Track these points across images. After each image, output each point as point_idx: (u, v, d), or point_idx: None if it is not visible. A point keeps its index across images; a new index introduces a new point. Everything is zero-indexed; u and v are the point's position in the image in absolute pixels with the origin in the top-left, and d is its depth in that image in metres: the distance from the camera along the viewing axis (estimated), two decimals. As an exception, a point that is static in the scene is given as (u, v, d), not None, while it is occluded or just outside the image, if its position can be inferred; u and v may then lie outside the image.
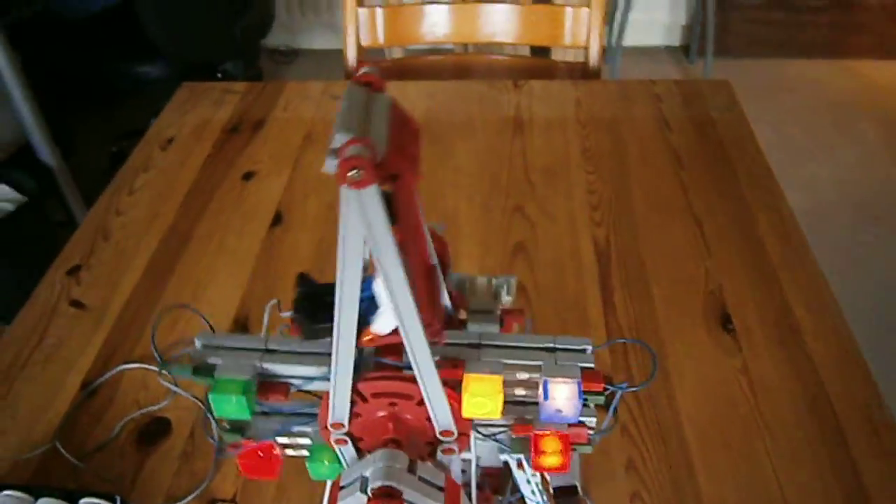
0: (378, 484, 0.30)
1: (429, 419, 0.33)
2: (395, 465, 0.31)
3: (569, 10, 1.29)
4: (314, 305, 0.36)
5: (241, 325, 0.82)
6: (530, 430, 0.36)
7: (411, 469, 0.31)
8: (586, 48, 1.30)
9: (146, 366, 0.76)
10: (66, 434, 0.71)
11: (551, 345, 0.38)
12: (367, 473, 0.31)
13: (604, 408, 0.41)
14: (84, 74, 2.14)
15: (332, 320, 0.33)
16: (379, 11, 1.34)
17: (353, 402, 0.33)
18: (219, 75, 2.12)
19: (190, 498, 0.65)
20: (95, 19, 2.15)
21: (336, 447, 0.35)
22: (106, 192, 1.02)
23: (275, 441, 0.38)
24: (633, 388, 0.39)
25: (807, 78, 2.65)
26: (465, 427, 0.35)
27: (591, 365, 0.38)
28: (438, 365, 0.32)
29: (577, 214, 0.93)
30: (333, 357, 0.32)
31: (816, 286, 0.82)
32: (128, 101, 2.23)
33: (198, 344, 0.39)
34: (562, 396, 0.36)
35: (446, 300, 0.42)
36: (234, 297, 0.84)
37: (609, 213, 0.93)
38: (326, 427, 0.35)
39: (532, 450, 0.37)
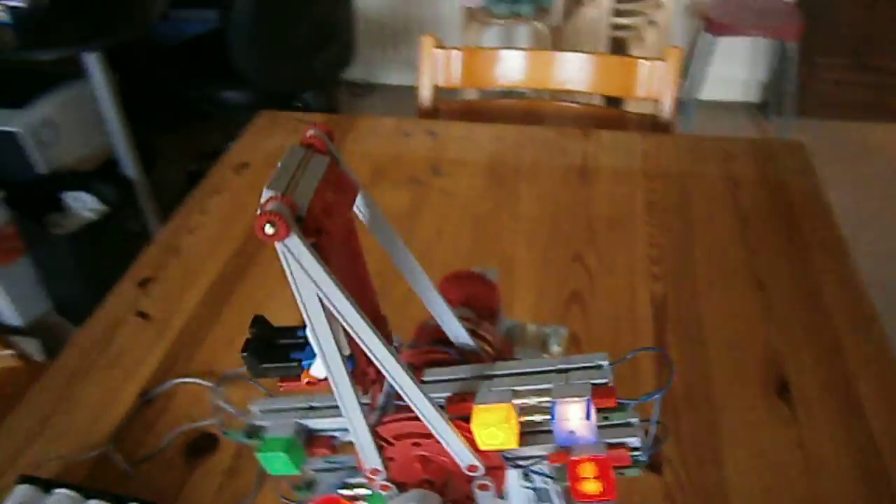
0: (408, 525, 0.31)
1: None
2: (431, 507, 0.32)
3: (644, 63, 1.29)
4: (264, 347, 0.39)
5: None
6: (566, 458, 0.35)
7: (444, 512, 0.32)
8: (659, 101, 1.29)
9: (200, 381, 0.79)
10: (119, 440, 0.73)
11: (564, 365, 0.37)
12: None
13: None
14: (171, 96, 2.25)
15: (281, 361, 0.37)
16: (455, 53, 1.37)
17: (381, 448, 0.34)
18: (298, 104, 2.20)
19: (230, 515, 0.66)
20: (187, 45, 2.27)
21: (383, 493, 0.36)
22: (180, 209, 1.07)
23: (339, 493, 0.40)
24: (653, 396, 0.37)
25: (890, 143, 2.57)
26: (494, 461, 0.34)
27: (605, 381, 0.36)
28: (449, 400, 0.33)
29: (636, 267, 0.92)
30: (341, 407, 0.34)
31: (883, 361, 0.79)
32: (209, 123, 2.32)
33: (254, 410, 0.41)
34: (573, 417, 0.35)
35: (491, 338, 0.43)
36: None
37: (669, 268, 0.92)
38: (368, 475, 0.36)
39: (569, 478, 0.35)
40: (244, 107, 2.11)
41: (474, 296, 0.42)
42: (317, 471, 0.39)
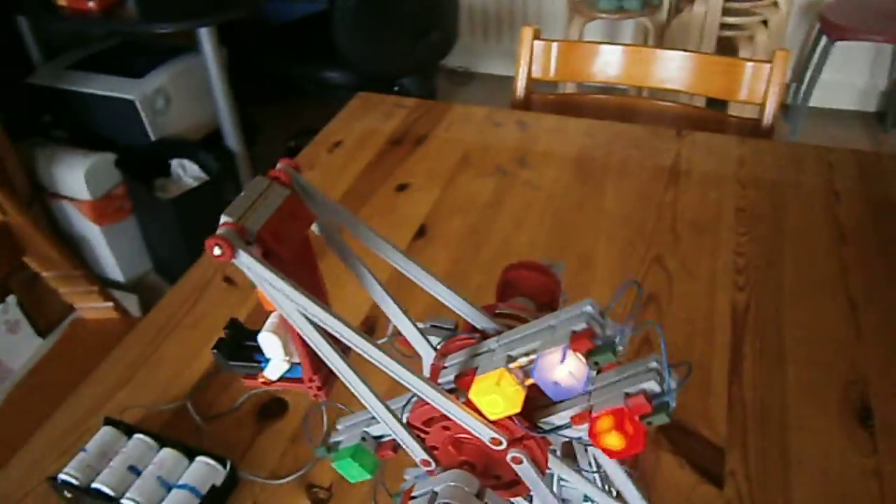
0: (443, 502, 0.31)
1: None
2: (463, 486, 0.32)
3: (749, 64, 1.24)
4: (234, 347, 0.44)
5: (369, 329, 0.86)
6: (587, 417, 0.34)
7: (479, 495, 0.32)
8: (762, 105, 1.24)
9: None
10: (196, 396, 0.77)
11: (554, 321, 0.36)
12: (438, 489, 0.33)
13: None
14: (276, 73, 2.33)
15: (246, 361, 0.42)
16: (554, 45, 1.35)
17: (422, 438, 0.35)
18: (395, 88, 2.23)
19: (291, 478, 0.69)
20: (295, 25, 2.34)
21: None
22: (273, 183, 1.11)
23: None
24: (618, 295, 0.35)
25: None
26: (516, 431, 0.34)
27: (583, 325, 0.34)
28: (456, 378, 0.34)
29: (719, 275, 0.89)
30: (370, 406, 0.35)
31: (981, 398, 0.73)
32: (310, 101, 2.39)
33: (339, 428, 0.45)
34: (551, 367, 0.33)
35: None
36: (366, 301, 0.88)
37: (754, 278, 0.89)
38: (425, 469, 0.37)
39: (591, 436, 0.34)
40: (345, 87, 2.17)
41: (534, 286, 0.42)
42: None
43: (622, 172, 1.08)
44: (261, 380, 0.42)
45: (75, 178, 1.85)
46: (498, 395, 0.33)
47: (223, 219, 0.36)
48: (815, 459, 0.69)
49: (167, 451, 0.69)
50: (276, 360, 0.41)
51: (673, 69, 1.30)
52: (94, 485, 0.66)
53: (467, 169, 1.12)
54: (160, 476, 0.66)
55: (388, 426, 0.36)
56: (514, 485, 0.34)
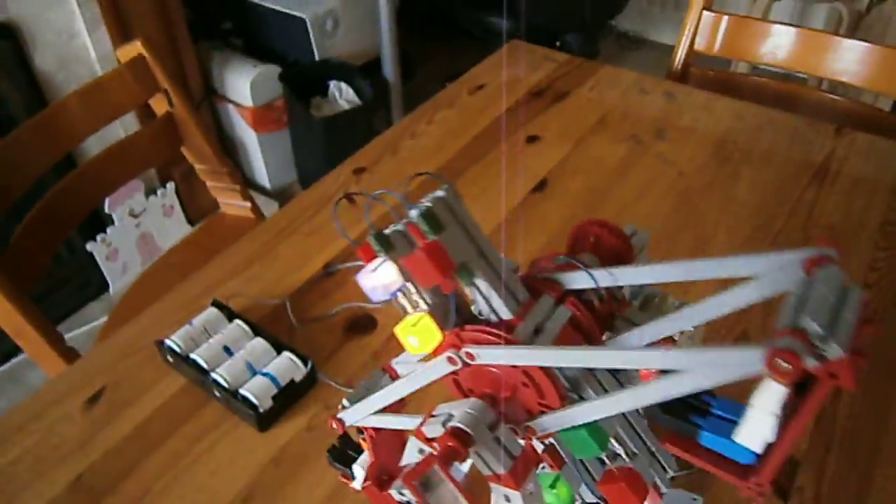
0: (457, 425, 0.33)
1: (535, 413, 0.34)
2: (479, 416, 0.33)
3: (941, 68, 1.12)
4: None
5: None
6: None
7: (492, 428, 0.33)
8: (947, 116, 1.12)
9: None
10: (296, 298, 0.83)
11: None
12: (455, 412, 0.34)
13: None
14: (443, 13, 2.35)
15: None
16: (724, 19, 1.28)
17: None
18: (557, 43, 2.19)
19: (363, 390, 0.73)
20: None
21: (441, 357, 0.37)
22: (410, 115, 1.14)
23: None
24: None
25: None
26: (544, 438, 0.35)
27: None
28: None
29: (844, 286, 0.83)
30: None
31: None
32: (471, 45, 2.39)
33: None
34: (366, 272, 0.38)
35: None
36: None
37: (882, 296, 0.82)
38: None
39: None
40: (509, 35, 2.15)
41: (603, 244, 0.41)
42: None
43: (764, 161, 1.02)
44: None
45: (242, 84, 1.98)
46: (416, 335, 0.36)
47: (807, 324, 0.28)
48: (898, 496, 0.64)
49: (259, 341, 0.75)
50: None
51: (853, 61, 1.19)
52: (191, 355, 0.73)
53: (602, 132, 1.09)
54: (248, 361, 0.72)
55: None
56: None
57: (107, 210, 1.79)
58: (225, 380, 0.70)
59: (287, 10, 1.97)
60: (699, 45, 1.31)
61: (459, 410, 0.34)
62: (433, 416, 0.35)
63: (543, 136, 1.08)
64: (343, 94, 2.03)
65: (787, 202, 0.95)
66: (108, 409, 0.72)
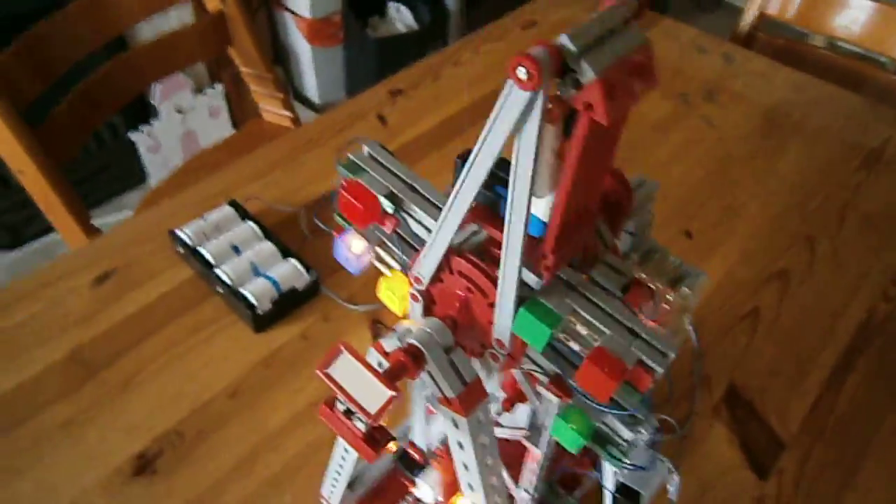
0: (413, 342, 0.32)
1: (491, 322, 0.34)
2: (436, 337, 0.33)
3: None
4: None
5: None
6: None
7: (448, 350, 0.33)
8: None
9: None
10: (312, 209, 0.83)
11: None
12: (413, 329, 0.34)
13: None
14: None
15: None
16: (803, -16, 1.21)
17: (441, 268, 0.35)
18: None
19: (362, 308, 0.73)
20: None
21: (410, 300, 0.37)
22: (457, 43, 1.11)
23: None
24: None
25: None
26: (517, 352, 0.34)
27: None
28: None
29: (871, 276, 0.80)
30: (442, 216, 0.33)
31: None
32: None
33: None
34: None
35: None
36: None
37: (909, 295, 0.79)
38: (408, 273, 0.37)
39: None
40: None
41: (610, 203, 0.40)
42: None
43: (814, 139, 0.97)
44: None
45: (302, -5, 1.95)
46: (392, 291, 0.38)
47: (563, 39, 0.26)
48: (879, 494, 0.63)
49: (268, 244, 0.75)
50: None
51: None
52: (200, 248, 0.74)
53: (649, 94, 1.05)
54: (254, 262, 0.73)
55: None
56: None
57: (154, 103, 1.81)
58: (228, 277, 0.71)
59: (356, -77, 1.93)
60: (771, 9, 1.24)
61: (417, 328, 0.34)
62: (393, 329, 0.35)
63: (589, 82, 1.05)
64: (401, 17, 1.99)
65: (828, 184, 0.91)
66: (114, 289, 0.74)
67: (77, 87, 1.06)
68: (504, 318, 0.33)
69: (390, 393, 0.30)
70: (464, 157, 0.36)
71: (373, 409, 0.30)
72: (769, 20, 1.25)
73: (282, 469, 0.60)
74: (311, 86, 2.15)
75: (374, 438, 0.31)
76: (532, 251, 0.33)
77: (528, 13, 1.18)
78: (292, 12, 2.01)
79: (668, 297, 0.51)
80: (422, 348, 0.32)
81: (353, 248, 0.42)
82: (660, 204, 0.82)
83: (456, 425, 0.34)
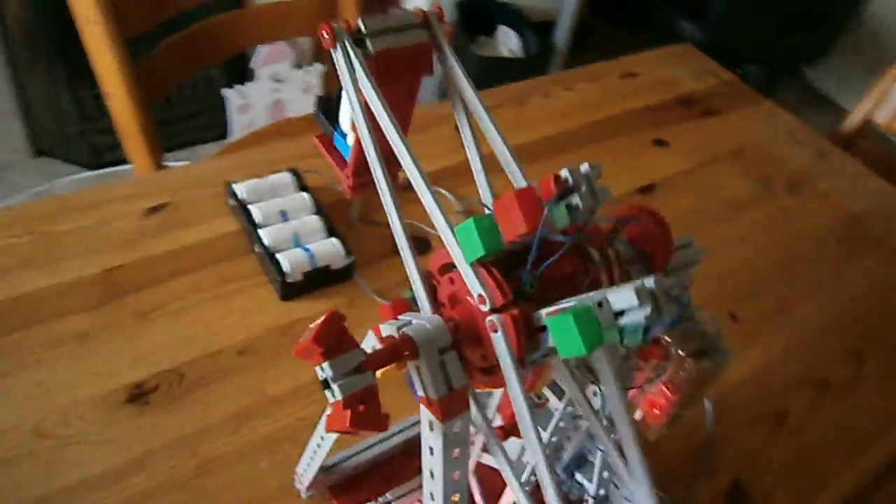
0: (409, 333, 0.32)
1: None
2: (433, 333, 0.32)
3: None
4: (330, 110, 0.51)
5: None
6: None
7: (442, 351, 0.32)
8: None
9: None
10: (366, 201, 0.83)
11: None
12: (414, 322, 0.33)
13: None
14: (635, 2, 2.26)
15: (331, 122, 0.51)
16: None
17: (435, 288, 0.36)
18: (737, 71, 2.08)
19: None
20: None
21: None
22: (553, 75, 1.11)
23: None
24: None
25: None
26: (501, 298, 0.33)
27: None
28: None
29: None
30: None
31: None
32: (652, 42, 2.31)
33: None
34: None
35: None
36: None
37: None
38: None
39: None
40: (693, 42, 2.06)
41: (640, 236, 0.38)
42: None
43: (890, 257, 0.93)
44: None
45: (419, 3, 1.99)
46: None
47: (360, 21, 0.39)
48: None
49: (315, 219, 0.76)
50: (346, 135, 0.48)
51: None
52: (250, 205, 0.75)
53: (734, 162, 1.03)
54: (297, 232, 0.74)
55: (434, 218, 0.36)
56: (487, 373, 0.34)
57: (253, 66, 1.86)
58: (269, 239, 0.72)
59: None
60: (878, 117, 1.20)
61: (419, 321, 0.33)
62: (398, 318, 0.35)
63: (672, 143, 1.03)
64: (508, 42, 2.00)
65: (891, 305, 0.87)
66: (161, 223, 0.76)
67: (185, 32, 1.10)
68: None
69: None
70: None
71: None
72: (873, 128, 1.21)
73: (267, 436, 0.60)
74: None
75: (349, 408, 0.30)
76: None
77: (631, 64, 1.17)
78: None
79: (686, 365, 0.49)
80: (416, 341, 0.32)
81: None
82: (713, 279, 0.80)
83: (431, 428, 0.33)
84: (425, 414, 0.34)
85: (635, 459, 0.36)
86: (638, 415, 0.52)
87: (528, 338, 0.32)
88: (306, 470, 0.53)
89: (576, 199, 0.34)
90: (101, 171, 1.81)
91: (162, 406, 0.60)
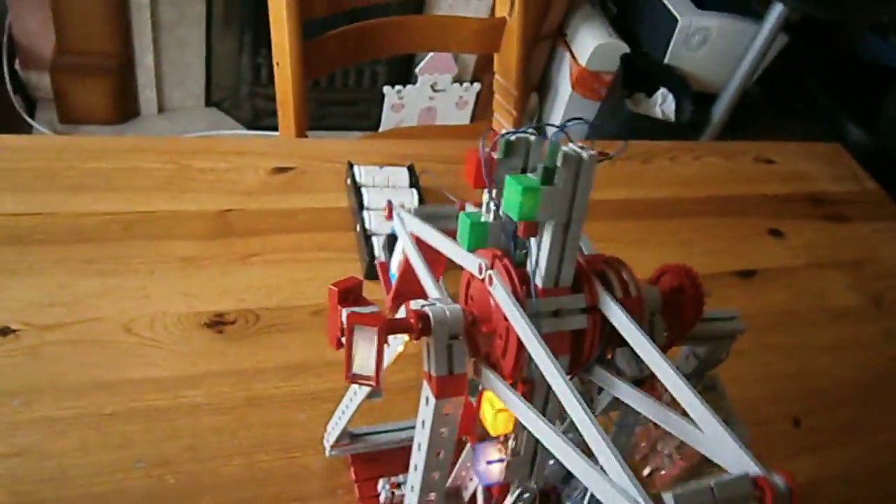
0: (426, 310, 0.36)
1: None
2: (449, 318, 0.36)
3: None
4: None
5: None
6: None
7: (452, 337, 0.36)
8: None
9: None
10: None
11: None
12: (438, 303, 0.37)
13: None
14: (803, 95, 2.19)
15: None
16: None
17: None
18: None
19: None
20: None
21: None
22: (685, 141, 1.12)
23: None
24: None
25: None
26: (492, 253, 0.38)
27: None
28: None
29: None
30: None
31: None
32: (811, 135, 2.23)
33: None
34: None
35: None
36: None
37: None
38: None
39: None
40: (855, 148, 1.97)
41: (672, 296, 0.40)
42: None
43: None
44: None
45: (589, 43, 2.03)
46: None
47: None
48: None
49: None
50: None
51: None
52: (362, 187, 0.82)
53: (848, 272, 0.99)
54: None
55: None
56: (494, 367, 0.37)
57: (417, 71, 1.97)
58: (370, 221, 0.78)
59: (669, 5, 1.97)
60: None
61: (441, 304, 0.37)
62: (427, 300, 0.39)
63: (788, 236, 1.01)
64: (664, 105, 2.00)
65: None
66: (282, 183, 0.84)
67: (358, 24, 1.19)
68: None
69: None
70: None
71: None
72: None
73: (313, 392, 0.66)
74: (555, 122, 2.22)
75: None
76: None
77: (770, 150, 1.16)
78: (572, 54, 2.10)
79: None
80: (431, 324, 0.35)
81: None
82: (787, 379, 0.79)
83: (427, 402, 0.37)
84: (425, 389, 0.37)
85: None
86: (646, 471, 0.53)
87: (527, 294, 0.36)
88: (334, 427, 0.57)
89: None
90: (256, 133, 1.97)
91: (233, 338, 0.67)
